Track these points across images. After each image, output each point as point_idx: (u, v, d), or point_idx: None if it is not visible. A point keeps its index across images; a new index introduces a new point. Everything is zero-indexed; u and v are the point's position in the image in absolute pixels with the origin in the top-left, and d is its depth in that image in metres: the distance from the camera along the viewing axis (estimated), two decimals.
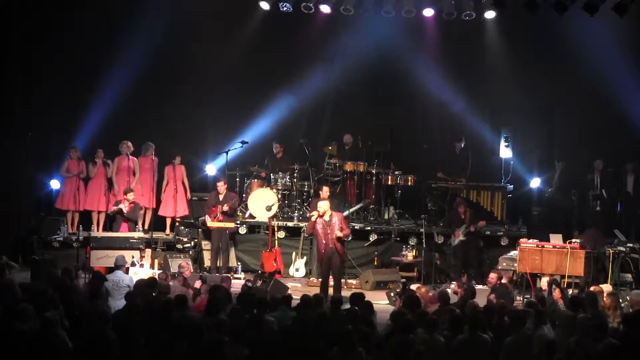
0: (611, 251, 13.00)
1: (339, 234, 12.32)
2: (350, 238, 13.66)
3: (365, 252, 15.21)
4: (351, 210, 15.36)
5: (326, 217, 12.41)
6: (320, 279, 13.08)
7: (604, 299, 10.27)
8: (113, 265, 11.99)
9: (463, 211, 14.66)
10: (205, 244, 14.97)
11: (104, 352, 7.93)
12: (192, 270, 13.08)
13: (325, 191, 14.18)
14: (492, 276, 11.55)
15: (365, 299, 9.79)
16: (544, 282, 11.23)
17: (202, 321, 8.52)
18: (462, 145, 16.47)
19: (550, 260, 12.69)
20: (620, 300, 10.72)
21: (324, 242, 12.41)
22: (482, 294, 11.60)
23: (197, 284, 11.40)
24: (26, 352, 7.86)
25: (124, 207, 14.21)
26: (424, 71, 16.54)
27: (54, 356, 7.83)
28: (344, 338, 7.76)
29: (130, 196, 14.35)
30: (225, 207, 14.38)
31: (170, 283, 11.48)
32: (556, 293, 10.44)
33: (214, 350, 7.59)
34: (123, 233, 14.01)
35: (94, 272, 11.82)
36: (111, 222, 14.62)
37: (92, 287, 10.42)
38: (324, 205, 12.46)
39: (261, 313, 8.94)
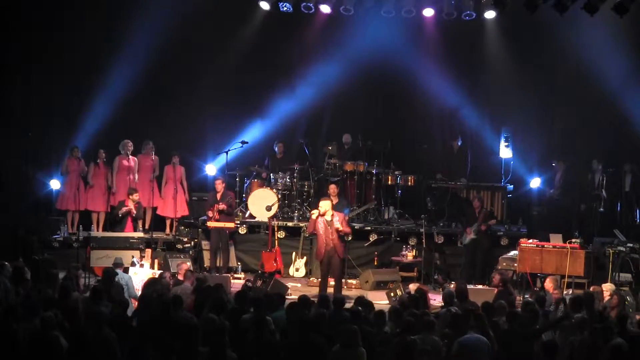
0: (611, 251, 13.00)
1: (338, 225, 12.28)
2: (350, 237, 13.69)
3: (365, 252, 15.19)
4: (357, 211, 15.32)
5: (327, 217, 12.41)
6: (320, 279, 13.07)
7: (609, 297, 10.28)
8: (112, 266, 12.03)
9: (478, 208, 14.57)
10: (205, 244, 14.95)
11: (103, 352, 7.94)
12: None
13: (332, 189, 14.30)
14: (496, 277, 11.54)
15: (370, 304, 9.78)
16: (547, 283, 11.23)
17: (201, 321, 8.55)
18: (460, 144, 16.47)
19: (550, 260, 12.71)
20: None
21: (324, 242, 12.41)
22: (481, 294, 11.61)
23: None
24: (26, 352, 7.87)
25: (132, 207, 14.29)
26: (423, 71, 16.56)
27: (52, 356, 7.84)
28: (347, 336, 7.77)
29: (136, 196, 14.38)
30: (222, 206, 14.36)
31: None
32: (557, 293, 10.46)
33: (215, 351, 7.61)
34: (123, 233, 14.02)
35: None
36: (112, 223, 14.59)
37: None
38: (325, 205, 12.45)
39: (261, 313, 8.94)
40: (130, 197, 14.40)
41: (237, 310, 9.09)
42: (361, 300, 9.74)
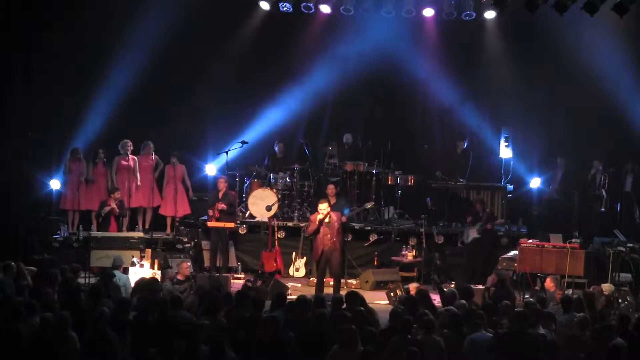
0: (611, 251, 12.99)
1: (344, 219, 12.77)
2: (350, 238, 13.70)
3: (365, 252, 15.18)
4: (357, 211, 15.34)
5: (326, 219, 12.47)
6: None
7: (601, 298, 10.30)
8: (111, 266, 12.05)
9: (481, 209, 14.57)
10: (206, 244, 14.94)
11: (105, 352, 7.95)
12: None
13: (330, 190, 14.33)
14: (491, 277, 11.55)
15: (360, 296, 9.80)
16: (548, 282, 11.23)
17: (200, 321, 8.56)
18: (465, 146, 16.45)
19: (550, 260, 12.69)
20: (620, 300, 10.75)
21: (322, 243, 12.46)
22: (481, 294, 11.61)
23: None
24: (29, 353, 7.89)
25: (115, 206, 14.30)
26: (424, 71, 16.58)
27: (57, 357, 7.85)
28: (346, 336, 7.77)
29: (117, 195, 14.41)
30: (222, 206, 14.34)
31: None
32: (560, 293, 10.47)
33: (215, 351, 7.61)
34: (123, 233, 14.02)
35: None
36: (100, 223, 14.61)
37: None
38: (324, 208, 12.51)
39: (258, 313, 8.96)
40: (112, 195, 14.41)
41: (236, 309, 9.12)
42: (350, 295, 9.73)
